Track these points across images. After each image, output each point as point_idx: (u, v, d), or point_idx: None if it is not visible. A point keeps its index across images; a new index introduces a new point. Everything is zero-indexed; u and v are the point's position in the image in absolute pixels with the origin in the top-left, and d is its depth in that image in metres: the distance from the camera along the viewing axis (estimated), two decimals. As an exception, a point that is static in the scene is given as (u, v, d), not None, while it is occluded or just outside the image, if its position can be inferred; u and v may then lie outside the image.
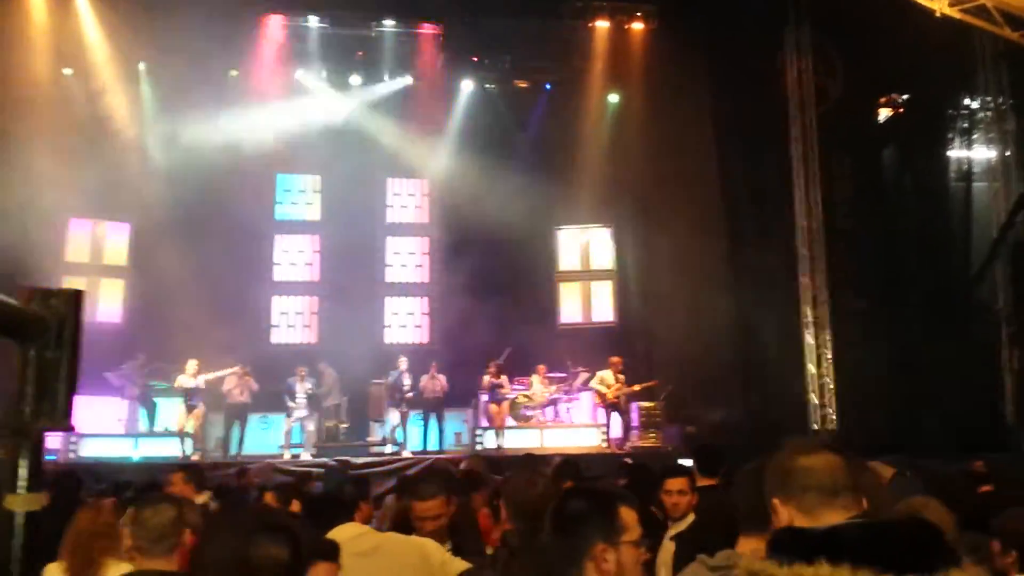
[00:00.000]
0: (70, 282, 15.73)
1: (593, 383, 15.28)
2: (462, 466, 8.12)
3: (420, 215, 19.25)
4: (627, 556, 2.21)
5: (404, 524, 4.13)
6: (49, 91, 15.47)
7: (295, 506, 5.24)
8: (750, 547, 2.58)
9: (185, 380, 13.99)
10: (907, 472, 5.61)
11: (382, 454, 14.61)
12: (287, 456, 14.10)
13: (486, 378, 14.95)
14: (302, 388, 14.46)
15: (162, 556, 3.10)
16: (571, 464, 7.20)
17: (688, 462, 5.37)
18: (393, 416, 14.88)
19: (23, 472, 1.19)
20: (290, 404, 14.43)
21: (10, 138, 14.07)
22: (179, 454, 13.90)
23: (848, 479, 2.00)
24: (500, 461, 11.71)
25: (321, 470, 13.08)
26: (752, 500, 2.62)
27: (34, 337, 1.22)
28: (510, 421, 15.36)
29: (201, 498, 6.34)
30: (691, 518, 4.40)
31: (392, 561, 3.46)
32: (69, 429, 1.24)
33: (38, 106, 14.97)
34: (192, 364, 14.04)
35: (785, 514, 1.94)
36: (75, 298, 1.28)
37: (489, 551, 4.42)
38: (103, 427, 14.55)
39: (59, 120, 15.17)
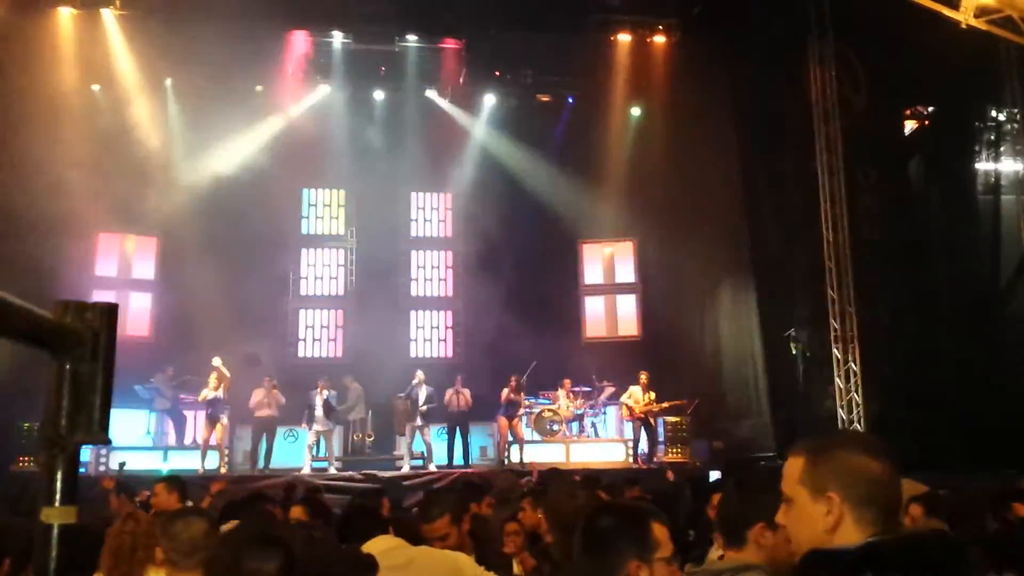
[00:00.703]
0: (99, 296, 15.90)
1: (624, 398, 15.26)
2: (500, 484, 8.12)
3: (444, 229, 19.32)
4: (660, 573, 2.19)
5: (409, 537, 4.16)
6: (77, 106, 15.67)
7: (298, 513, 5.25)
8: (728, 557, 2.56)
9: (208, 392, 14.06)
10: (940, 490, 5.53)
11: (410, 468, 14.58)
12: (307, 469, 14.11)
13: (505, 391, 14.92)
14: (320, 400, 14.44)
15: (194, 569, 3.12)
16: (593, 479, 7.19)
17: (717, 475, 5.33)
18: (408, 430, 14.83)
19: (59, 485, 1.19)
20: (309, 418, 14.42)
21: (39, 152, 14.25)
22: (202, 467, 13.96)
23: (899, 500, 1.93)
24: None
25: (346, 483, 13.13)
26: (734, 511, 2.60)
27: (70, 350, 1.22)
28: (534, 436, 15.35)
29: None
30: None
31: (425, 574, 3.46)
32: (106, 443, 1.24)
33: (66, 121, 15.17)
34: (213, 377, 14.11)
35: (837, 511, 1.88)
36: (109, 312, 1.28)
37: (516, 567, 4.42)
38: (132, 440, 14.64)
39: (87, 135, 15.36)
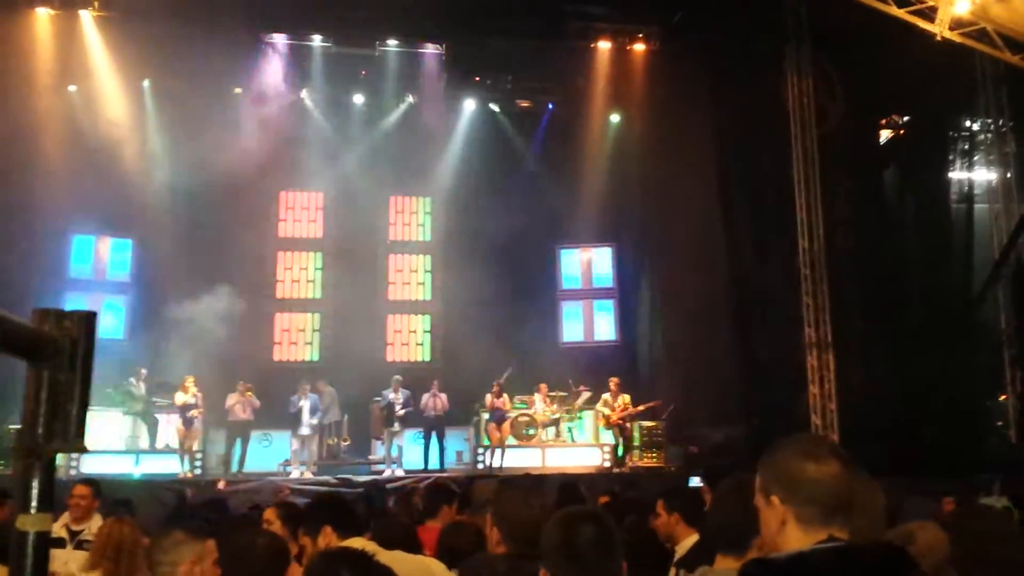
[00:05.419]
0: (73, 298, 15.77)
1: (598, 406, 15.26)
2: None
3: (422, 233, 19.30)
4: None
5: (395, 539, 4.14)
6: (54, 107, 15.55)
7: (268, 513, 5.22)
8: (726, 565, 2.56)
9: (182, 396, 13.95)
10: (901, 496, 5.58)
11: (383, 472, 14.54)
12: (296, 474, 14.06)
13: (488, 398, 14.91)
14: (306, 404, 14.37)
15: None
16: (571, 486, 7.20)
17: (697, 482, 5.34)
18: (387, 435, 14.80)
19: (35, 492, 1.20)
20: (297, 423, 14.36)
21: (14, 153, 14.12)
22: (178, 471, 13.87)
23: (848, 496, 1.92)
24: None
25: (320, 488, 13.07)
26: (731, 517, 2.60)
27: (47, 358, 1.23)
28: (511, 440, 15.33)
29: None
30: (691, 540, 4.31)
31: None
32: (83, 450, 1.25)
33: (43, 122, 15.05)
34: (190, 380, 14.01)
35: (781, 513, 1.92)
36: (88, 320, 1.29)
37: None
38: (104, 444, 14.49)
39: (63, 136, 15.24)
